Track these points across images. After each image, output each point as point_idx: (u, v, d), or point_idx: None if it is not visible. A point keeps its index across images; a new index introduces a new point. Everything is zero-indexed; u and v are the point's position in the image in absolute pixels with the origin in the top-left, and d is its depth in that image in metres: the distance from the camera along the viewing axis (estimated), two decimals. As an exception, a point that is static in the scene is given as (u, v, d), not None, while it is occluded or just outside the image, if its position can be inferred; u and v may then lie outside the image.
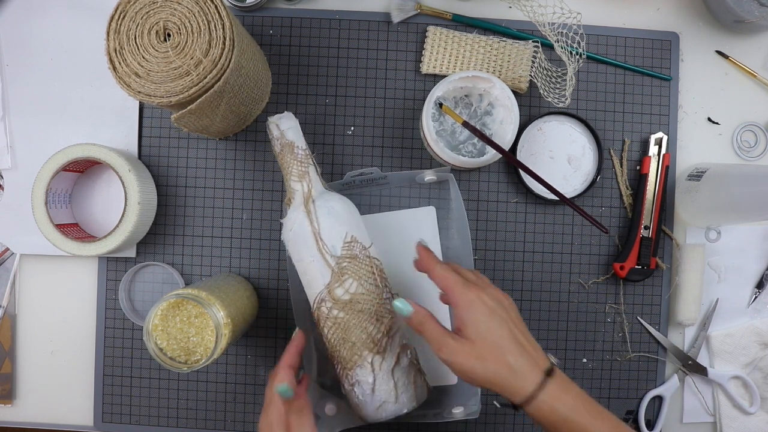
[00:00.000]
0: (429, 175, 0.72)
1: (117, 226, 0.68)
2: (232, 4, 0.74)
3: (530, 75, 0.74)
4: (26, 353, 0.75)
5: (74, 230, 0.71)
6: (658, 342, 0.75)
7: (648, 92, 0.75)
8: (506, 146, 0.67)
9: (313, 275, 0.63)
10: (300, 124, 0.74)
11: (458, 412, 0.68)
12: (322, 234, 0.63)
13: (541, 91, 0.70)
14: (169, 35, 0.59)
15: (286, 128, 0.65)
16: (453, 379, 0.72)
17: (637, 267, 0.73)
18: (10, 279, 0.75)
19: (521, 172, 0.71)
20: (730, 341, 0.75)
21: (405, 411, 0.62)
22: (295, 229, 0.63)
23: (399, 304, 0.57)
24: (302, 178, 0.65)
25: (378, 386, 0.61)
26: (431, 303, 0.72)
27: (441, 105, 0.68)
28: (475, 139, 0.70)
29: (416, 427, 0.74)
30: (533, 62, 0.73)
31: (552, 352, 0.75)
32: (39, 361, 0.75)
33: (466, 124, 0.67)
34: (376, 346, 0.62)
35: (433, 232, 0.73)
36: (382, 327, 0.62)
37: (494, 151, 0.66)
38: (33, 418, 0.75)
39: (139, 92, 0.58)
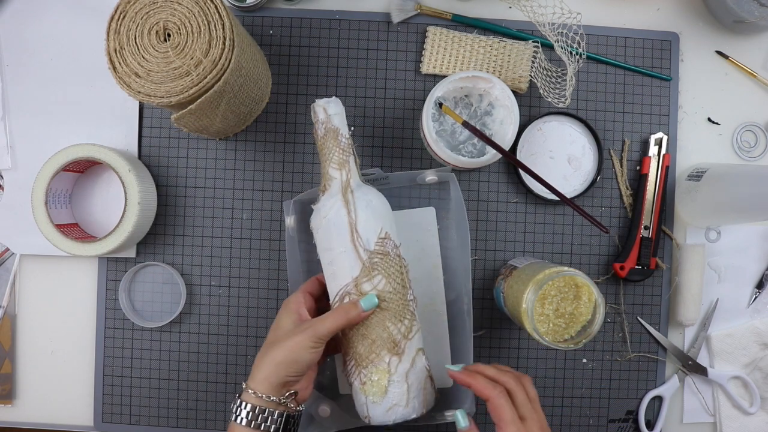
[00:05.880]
0: (430, 176, 0.72)
1: (117, 226, 0.68)
2: (232, 4, 0.74)
3: (530, 75, 0.74)
4: (26, 353, 0.75)
5: (74, 230, 0.71)
6: (658, 342, 0.75)
7: (648, 92, 0.75)
8: (506, 146, 0.67)
9: (341, 266, 0.61)
10: (300, 124, 0.75)
11: (450, 415, 0.68)
12: (358, 226, 0.61)
13: (541, 91, 0.70)
14: (169, 35, 0.59)
15: (333, 113, 0.63)
16: (449, 383, 0.72)
17: (637, 267, 0.73)
18: (10, 279, 0.75)
19: (521, 172, 0.71)
20: (730, 341, 0.75)
21: (414, 416, 0.61)
22: (330, 217, 0.61)
23: (459, 415, 0.58)
24: (342, 166, 0.63)
25: (391, 388, 0.60)
26: (430, 304, 0.73)
27: (441, 105, 0.68)
28: (475, 139, 0.70)
29: (406, 429, 0.74)
30: (533, 62, 0.73)
31: (552, 352, 0.75)
32: (39, 361, 0.75)
33: (466, 124, 0.67)
34: (395, 347, 0.60)
35: (433, 232, 0.73)
36: (402, 328, 0.61)
37: (494, 151, 0.66)
38: (33, 418, 0.75)
39: (139, 92, 0.58)
